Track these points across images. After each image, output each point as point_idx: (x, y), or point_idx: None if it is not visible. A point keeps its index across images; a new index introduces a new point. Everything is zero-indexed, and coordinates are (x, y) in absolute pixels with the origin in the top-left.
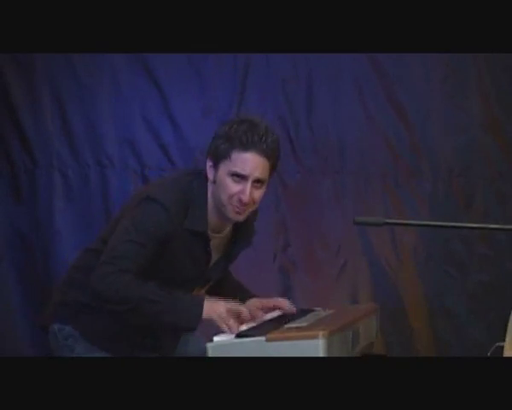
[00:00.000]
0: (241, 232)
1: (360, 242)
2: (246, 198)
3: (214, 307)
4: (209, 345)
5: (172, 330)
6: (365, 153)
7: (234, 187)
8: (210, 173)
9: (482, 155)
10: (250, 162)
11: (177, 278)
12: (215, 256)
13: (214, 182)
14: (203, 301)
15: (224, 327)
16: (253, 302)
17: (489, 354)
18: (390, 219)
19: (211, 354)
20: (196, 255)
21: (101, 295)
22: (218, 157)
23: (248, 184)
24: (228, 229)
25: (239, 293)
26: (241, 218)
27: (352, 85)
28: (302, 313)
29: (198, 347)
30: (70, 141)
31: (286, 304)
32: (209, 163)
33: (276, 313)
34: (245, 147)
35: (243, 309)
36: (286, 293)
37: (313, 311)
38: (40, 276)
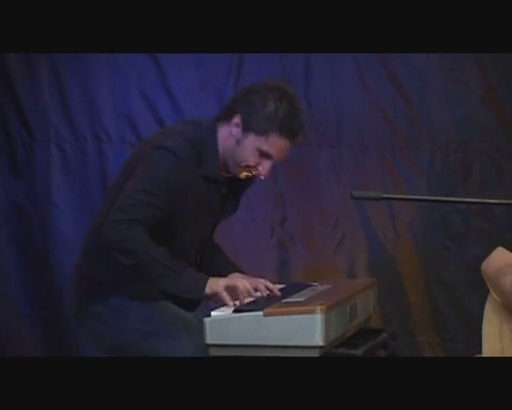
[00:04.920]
0: None
1: (358, 215)
2: (266, 174)
3: (219, 283)
4: (206, 320)
5: (173, 298)
6: (363, 126)
7: (255, 160)
8: (235, 130)
9: (480, 129)
10: (283, 148)
11: (192, 223)
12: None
13: (237, 142)
14: (207, 276)
15: (229, 302)
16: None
17: None
18: (388, 191)
19: (208, 328)
20: (211, 200)
21: (109, 242)
22: (253, 127)
23: (270, 163)
24: None
25: (227, 267)
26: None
27: (350, 58)
28: (300, 287)
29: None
30: (67, 115)
31: (264, 289)
32: (237, 120)
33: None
34: (285, 134)
35: (245, 284)
36: (283, 267)
37: (311, 285)
38: (38, 248)
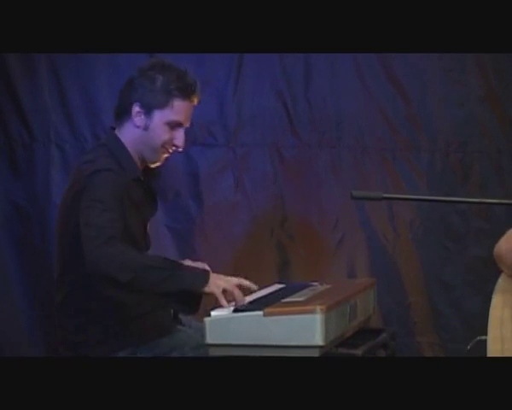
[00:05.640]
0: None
1: (357, 216)
2: (183, 144)
3: (218, 283)
4: (207, 319)
5: (176, 296)
6: (363, 126)
7: (169, 134)
8: (138, 119)
9: (480, 129)
10: (188, 110)
11: (134, 225)
12: None
13: (144, 128)
14: (207, 270)
15: (238, 295)
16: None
17: (469, 348)
18: (388, 192)
19: (208, 327)
20: (138, 200)
21: (101, 269)
22: (155, 104)
23: (183, 131)
24: None
25: None
26: (161, 162)
27: (350, 59)
28: (299, 287)
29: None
30: (67, 115)
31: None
32: (136, 108)
33: (272, 289)
34: (185, 94)
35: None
36: (283, 267)
37: (311, 285)
38: (38, 249)
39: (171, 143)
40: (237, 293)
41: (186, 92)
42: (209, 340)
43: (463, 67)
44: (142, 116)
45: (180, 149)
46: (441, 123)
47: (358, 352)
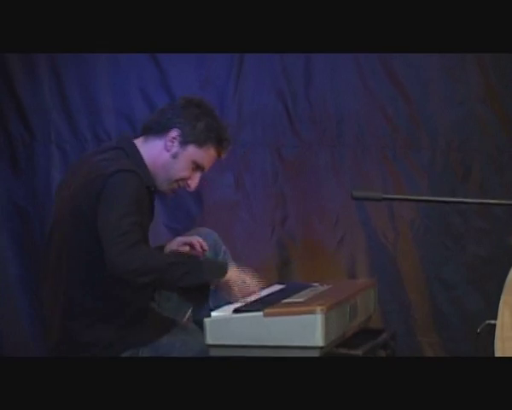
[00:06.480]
0: None
1: (358, 215)
2: (195, 188)
3: (239, 272)
4: (207, 320)
5: (198, 288)
6: (363, 125)
7: (190, 172)
8: (171, 145)
9: (480, 128)
10: (213, 160)
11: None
12: None
13: (173, 156)
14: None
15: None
16: (178, 241)
17: (478, 331)
18: (388, 191)
19: (208, 328)
20: (146, 208)
21: (127, 271)
22: (193, 139)
23: (199, 176)
24: None
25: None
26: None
27: (350, 57)
28: (300, 287)
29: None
30: (68, 114)
31: (198, 243)
32: (174, 134)
33: (273, 289)
34: (219, 146)
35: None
36: (283, 266)
37: (311, 286)
38: (38, 248)
39: (185, 180)
40: (249, 280)
41: (221, 145)
42: (209, 340)
43: (464, 66)
44: (176, 143)
45: (190, 190)
46: (442, 121)
47: (359, 352)
